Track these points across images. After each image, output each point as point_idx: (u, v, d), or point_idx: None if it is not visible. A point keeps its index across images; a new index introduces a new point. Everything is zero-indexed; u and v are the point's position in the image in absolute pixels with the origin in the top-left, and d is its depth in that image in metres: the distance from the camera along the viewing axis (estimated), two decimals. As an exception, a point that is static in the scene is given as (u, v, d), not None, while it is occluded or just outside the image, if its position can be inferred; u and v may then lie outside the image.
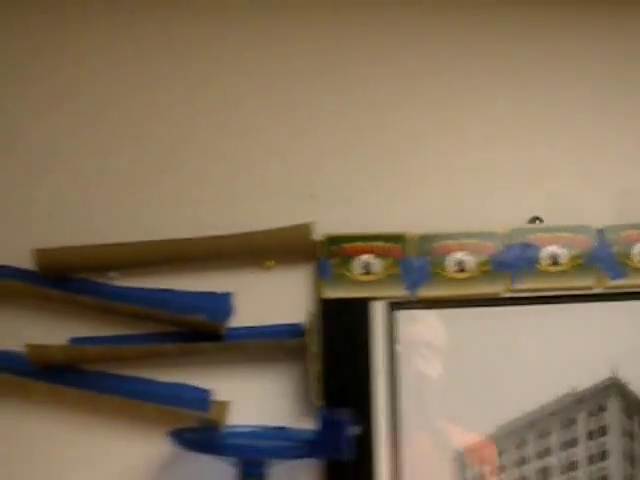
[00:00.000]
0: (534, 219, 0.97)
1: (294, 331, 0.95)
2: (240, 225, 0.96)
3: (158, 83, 0.99)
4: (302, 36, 1.01)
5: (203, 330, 0.93)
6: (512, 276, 0.94)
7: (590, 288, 0.96)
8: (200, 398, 0.94)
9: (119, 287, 0.96)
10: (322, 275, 0.94)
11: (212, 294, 0.96)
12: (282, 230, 0.94)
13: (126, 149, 0.98)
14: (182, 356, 0.94)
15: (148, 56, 0.99)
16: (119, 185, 0.99)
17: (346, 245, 0.95)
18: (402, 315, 0.95)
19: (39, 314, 0.98)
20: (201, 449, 0.87)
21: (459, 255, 0.95)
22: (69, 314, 0.97)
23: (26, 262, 0.96)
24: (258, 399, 0.95)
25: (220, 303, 0.95)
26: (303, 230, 0.93)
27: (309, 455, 0.84)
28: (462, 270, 0.94)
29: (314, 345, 0.90)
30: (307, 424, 0.93)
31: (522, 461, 0.94)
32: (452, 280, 0.95)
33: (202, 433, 0.89)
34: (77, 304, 0.95)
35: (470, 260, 0.94)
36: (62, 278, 0.96)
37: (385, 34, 1.02)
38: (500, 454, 0.93)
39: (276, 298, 0.96)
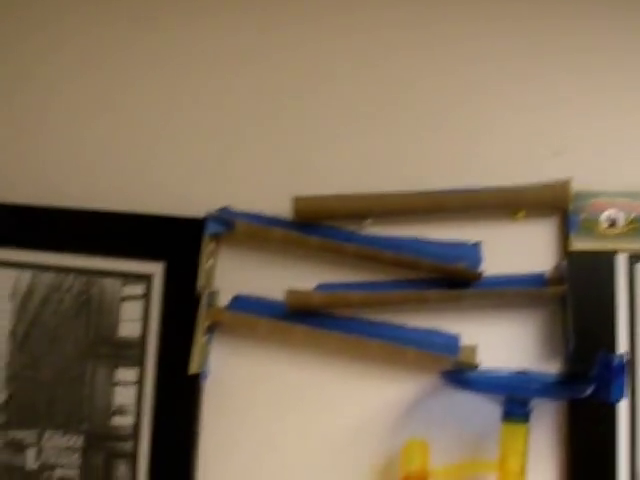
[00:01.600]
0: None
1: (540, 280, 0.99)
2: (483, 178, 0.99)
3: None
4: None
5: (456, 278, 0.98)
6: None
7: None
8: (450, 343, 0.99)
9: (373, 235, 1.00)
10: (570, 228, 0.98)
11: (462, 243, 0.99)
12: (539, 186, 0.97)
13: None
14: (433, 303, 0.98)
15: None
16: (378, 136, 1.02)
17: (593, 200, 0.99)
18: (643, 268, 0.99)
19: (293, 260, 1.02)
20: (472, 387, 0.93)
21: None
22: (322, 260, 1.01)
23: (283, 210, 1.00)
24: (504, 344, 0.99)
25: (470, 252, 0.99)
26: (561, 187, 0.96)
27: (579, 395, 0.88)
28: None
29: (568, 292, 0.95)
30: (551, 368, 0.98)
31: None
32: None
33: (470, 373, 0.94)
34: (330, 250, 0.99)
35: None
36: (317, 226, 0.99)
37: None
38: None
39: (523, 249, 1.00)
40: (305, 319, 0.98)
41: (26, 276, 1.06)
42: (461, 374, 0.94)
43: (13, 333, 1.06)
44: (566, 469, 0.98)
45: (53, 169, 1.09)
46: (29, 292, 1.05)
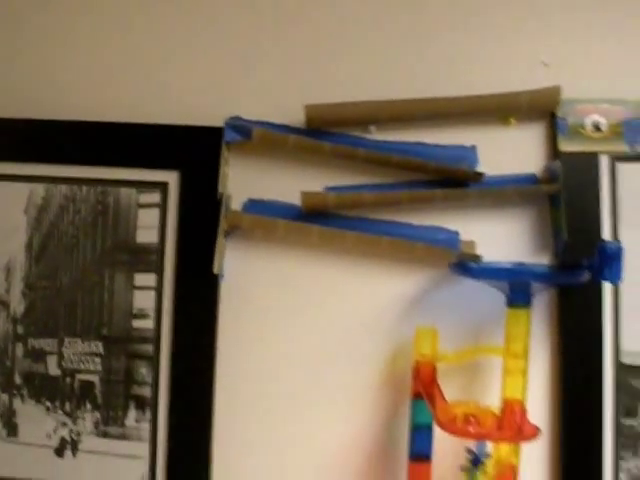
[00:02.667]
0: None
1: (532, 180, 1.09)
2: (479, 87, 1.08)
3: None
4: None
5: (457, 178, 1.06)
6: None
7: None
8: (451, 238, 1.07)
9: (381, 140, 1.07)
10: (559, 132, 1.08)
11: (461, 147, 1.08)
12: (531, 92, 1.06)
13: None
14: (437, 202, 1.06)
15: None
16: (382, 44, 1.10)
17: (579, 106, 1.09)
18: (623, 167, 1.10)
19: (306, 166, 1.08)
20: (479, 275, 1.02)
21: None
22: (333, 165, 1.08)
23: (295, 119, 1.07)
24: (499, 240, 1.08)
25: (468, 155, 1.08)
26: (551, 92, 1.06)
27: (578, 280, 0.98)
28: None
29: (559, 190, 1.04)
30: (542, 261, 1.08)
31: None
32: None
33: (475, 263, 1.04)
34: (341, 155, 1.06)
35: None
36: (328, 132, 1.06)
37: None
38: None
39: (515, 151, 1.09)
40: (319, 220, 1.04)
41: (40, 189, 1.08)
42: (468, 264, 1.02)
43: (29, 246, 1.09)
44: (559, 350, 1.07)
45: (69, 83, 1.11)
46: (44, 205, 1.08)
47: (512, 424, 0.97)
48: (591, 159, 1.08)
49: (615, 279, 0.95)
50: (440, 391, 1.01)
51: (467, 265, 1.02)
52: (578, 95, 1.07)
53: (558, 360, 1.07)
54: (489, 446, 0.98)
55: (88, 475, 1.08)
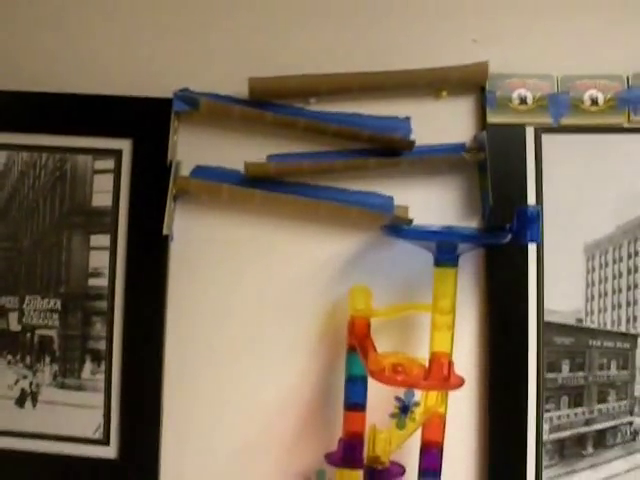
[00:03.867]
0: None
1: (462, 149, 1.17)
2: (412, 62, 1.15)
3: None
4: None
5: (391, 147, 1.14)
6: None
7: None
8: (386, 203, 1.15)
9: (319, 111, 1.15)
10: (487, 104, 1.16)
11: (395, 118, 1.16)
12: (462, 67, 1.14)
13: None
14: (372, 169, 1.14)
15: None
16: (323, 20, 1.17)
17: (506, 81, 1.17)
18: (547, 138, 1.18)
19: (249, 135, 1.16)
20: (408, 236, 1.10)
21: (592, 92, 1.18)
22: (275, 134, 1.16)
23: (239, 91, 1.14)
24: (430, 205, 1.16)
25: (402, 125, 1.16)
26: (480, 67, 1.14)
27: (501, 241, 1.06)
28: (595, 104, 1.18)
29: (485, 158, 1.12)
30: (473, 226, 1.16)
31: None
32: (586, 112, 1.18)
33: (406, 226, 1.12)
34: (282, 125, 1.14)
35: (600, 96, 1.18)
36: (270, 103, 1.14)
37: None
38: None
39: (446, 123, 1.17)
40: (261, 185, 1.12)
41: (2, 156, 1.16)
42: (399, 227, 1.10)
43: (-8, 209, 1.16)
44: (487, 308, 1.15)
45: (29, 56, 1.18)
46: (6, 171, 1.16)
47: (439, 374, 1.04)
48: (517, 130, 1.16)
49: (533, 240, 1.03)
50: (372, 344, 1.08)
51: (398, 227, 1.10)
52: (506, 70, 1.14)
53: (485, 318, 1.15)
54: (417, 395, 1.05)
55: (48, 424, 1.16)
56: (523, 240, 1.03)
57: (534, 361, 1.15)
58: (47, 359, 1.15)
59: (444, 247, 1.07)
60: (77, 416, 1.15)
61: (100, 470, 1.14)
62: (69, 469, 1.15)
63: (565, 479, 1.17)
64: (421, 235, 1.08)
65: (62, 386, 1.15)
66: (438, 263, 1.07)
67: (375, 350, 1.07)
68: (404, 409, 1.05)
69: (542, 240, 1.14)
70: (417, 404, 1.05)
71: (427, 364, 1.05)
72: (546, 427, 1.15)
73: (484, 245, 1.12)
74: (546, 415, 1.16)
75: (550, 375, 1.16)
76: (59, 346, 1.15)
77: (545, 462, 1.16)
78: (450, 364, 1.05)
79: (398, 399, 1.05)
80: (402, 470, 1.07)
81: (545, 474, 1.16)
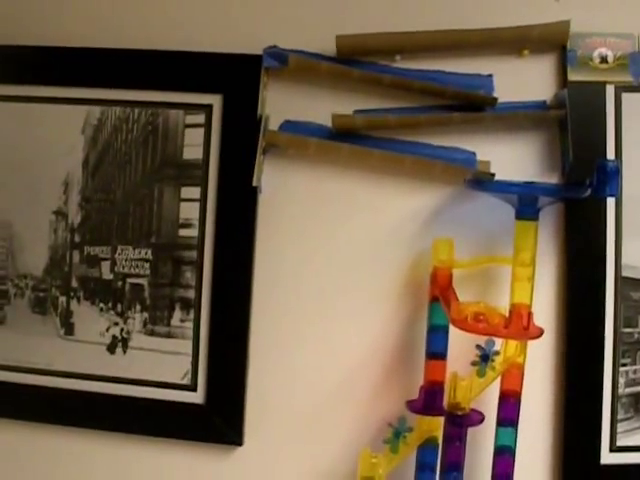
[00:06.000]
0: None
1: (543, 106, 1.19)
2: (495, 20, 1.18)
3: None
4: None
5: (474, 103, 1.17)
6: None
7: None
8: (469, 158, 1.18)
9: (405, 68, 1.18)
10: (568, 63, 1.18)
11: (479, 75, 1.19)
12: (543, 25, 1.17)
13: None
14: (456, 124, 1.17)
15: None
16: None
17: (587, 40, 1.19)
18: (627, 97, 1.20)
19: (336, 91, 1.19)
20: (491, 189, 1.12)
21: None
22: (361, 91, 1.19)
23: (326, 48, 1.17)
24: (512, 161, 1.19)
25: (485, 82, 1.18)
26: (561, 26, 1.16)
27: (581, 194, 1.09)
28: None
29: (566, 116, 1.15)
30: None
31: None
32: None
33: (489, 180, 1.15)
34: (368, 81, 1.17)
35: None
36: (357, 60, 1.18)
37: None
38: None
39: (528, 81, 1.19)
40: (348, 139, 1.15)
41: (96, 111, 1.21)
42: (481, 180, 1.13)
43: (86, 163, 1.21)
44: (565, 262, 1.18)
45: (118, 12, 1.23)
46: (100, 126, 1.20)
47: (518, 324, 1.07)
48: (598, 88, 1.18)
49: (612, 194, 1.06)
50: (455, 294, 1.11)
51: (481, 180, 1.13)
52: (587, 29, 1.16)
53: (564, 272, 1.17)
54: (498, 344, 1.08)
55: (137, 370, 1.20)
56: (602, 194, 1.05)
57: (611, 315, 1.17)
58: (137, 307, 1.19)
59: (525, 200, 1.09)
60: (166, 362, 1.19)
61: (187, 415, 1.19)
62: (157, 413, 1.19)
63: (639, 433, 1.18)
64: (503, 188, 1.11)
65: (152, 333, 1.19)
66: (519, 216, 1.10)
67: (457, 300, 1.10)
68: (484, 357, 1.08)
69: (621, 196, 1.16)
70: (497, 353, 1.08)
71: (507, 315, 1.06)
72: (621, 381, 1.18)
73: (564, 199, 1.15)
74: (622, 369, 1.18)
75: (626, 330, 1.18)
76: (149, 294, 1.19)
77: (620, 415, 1.18)
78: (530, 315, 1.08)
79: (479, 347, 1.08)
80: (482, 417, 1.10)
81: (620, 427, 1.18)
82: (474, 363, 1.08)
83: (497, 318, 1.08)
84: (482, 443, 1.14)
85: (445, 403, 1.09)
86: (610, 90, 1.18)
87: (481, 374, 1.08)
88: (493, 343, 1.08)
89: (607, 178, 1.04)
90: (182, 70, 1.18)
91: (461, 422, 1.08)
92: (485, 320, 1.07)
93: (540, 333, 1.08)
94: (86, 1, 1.24)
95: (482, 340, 1.07)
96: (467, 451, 1.10)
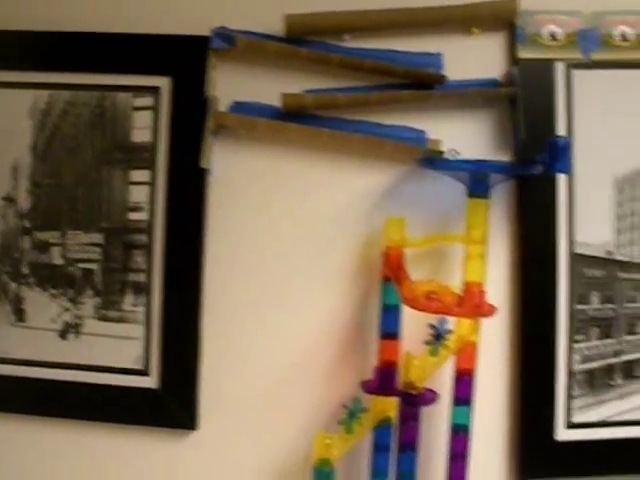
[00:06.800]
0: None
1: (493, 83, 1.19)
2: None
3: None
4: None
5: (423, 82, 1.17)
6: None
7: None
8: (419, 136, 1.18)
9: (354, 47, 1.18)
10: (517, 40, 1.18)
11: (428, 53, 1.18)
12: (492, 3, 1.16)
13: None
14: (405, 103, 1.16)
15: None
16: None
17: (536, 17, 1.19)
18: (578, 73, 1.20)
19: (285, 71, 1.18)
20: (442, 168, 1.12)
21: (622, 28, 1.19)
22: (310, 70, 1.18)
23: (275, 28, 1.16)
24: (463, 139, 1.18)
25: (434, 61, 1.18)
26: (510, 3, 1.16)
27: (532, 172, 1.08)
28: (625, 40, 1.19)
29: (517, 93, 1.15)
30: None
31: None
32: (616, 47, 1.20)
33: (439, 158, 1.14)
34: (317, 61, 1.16)
35: (630, 32, 1.19)
36: (306, 40, 1.17)
37: None
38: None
39: (478, 58, 1.19)
40: (297, 119, 1.15)
41: (44, 95, 1.19)
42: (433, 159, 1.12)
43: (34, 147, 1.20)
44: (518, 239, 1.18)
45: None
46: (48, 109, 1.19)
47: (471, 302, 1.07)
48: (548, 65, 1.18)
49: (563, 170, 1.06)
50: (407, 273, 1.11)
51: (433, 159, 1.12)
52: (535, 6, 1.16)
53: (517, 249, 1.17)
54: (451, 323, 1.08)
55: (90, 355, 1.19)
56: (553, 171, 1.05)
57: (564, 293, 1.18)
58: (89, 292, 1.18)
59: (476, 178, 1.09)
60: (118, 347, 1.19)
61: (141, 399, 1.18)
62: (111, 399, 1.19)
63: (594, 409, 1.19)
64: (454, 166, 1.11)
65: (104, 318, 1.18)
66: (471, 194, 1.10)
67: (409, 279, 1.09)
68: (437, 336, 1.08)
69: (573, 174, 1.17)
70: (450, 332, 1.08)
71: (460, 293, 1.07)
72: (576, 358, 1.18)
73: (516, 176, 1.15)
74: (576, 346, 1.18)
75: (580, 307, 1.18)
76: (101, 279, 1.18)
77: (575, 392, 1.18)
78: (482, 293, 1.08)
79: (432, 326, 1.07)
80: (436, 396, 1.10)
81: (575, 404, 1.18)
82: (427, 342, 1.08)
83: (449, 296, 1.07)
84: (438, 422, 1.13)
85: (399, 383, 1.08)
86: (560, 67, 1.18)
87: (434, 353, 1.08)
88: (446, 322, 1.08)
89: (558, 155, 1.04)
90: (130, 53, 1.17)
91: (415, 402, 1.07)
92: (437, 299, 1.06)
93: (493, 311, 1.08)
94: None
95: (435, 319, 1.06)
96: (423, 431, 1.09)
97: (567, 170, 1.04)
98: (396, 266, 1.11)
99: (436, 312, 1.07)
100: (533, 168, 1.07)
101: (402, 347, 1.12)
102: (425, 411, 1.10)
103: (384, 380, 1.12)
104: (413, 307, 1.05)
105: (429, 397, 1.10)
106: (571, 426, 1.18)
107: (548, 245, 1.18)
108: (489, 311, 1.07)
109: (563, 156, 1.04)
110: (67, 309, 1.19)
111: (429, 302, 1.06)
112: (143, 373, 1.17)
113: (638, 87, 1.19)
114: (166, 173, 1.18)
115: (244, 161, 1.18)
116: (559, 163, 1.04)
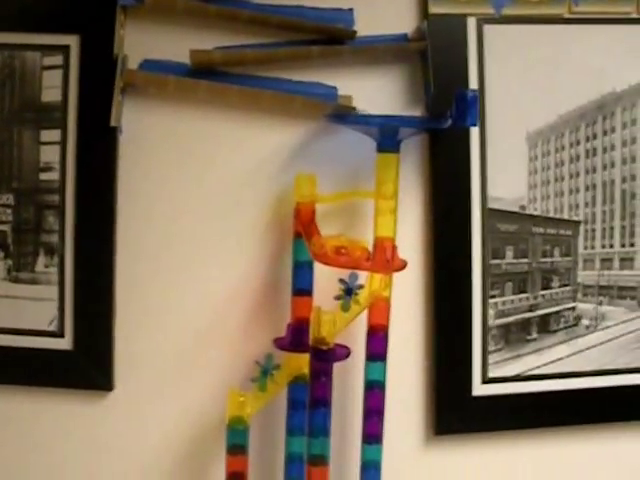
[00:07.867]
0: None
1: (404, 38, 1.19)
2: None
3: None
4: None
5: (334, 37, 1.16)
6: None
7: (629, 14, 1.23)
8: (329, 92, 1.18)
9: (262, 3, 1.17)
10: (428, -7, 1.18)
11: (337, 9, 1.18)
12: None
13: None
14: (315, 59, 1.16)
15: None
16: None
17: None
18: (489, 28, 1.20)
19: (194, 28, 1.17)
20: (352, 123, 1.12)
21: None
22: (219, 27, 1.17)
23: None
24: (374, 95, 1.19)
25: (345, 16, 1.18)
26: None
27: (442, 125, 1.08)
28: (536, -7, 1.19)
29: (427, 48, 1.15)
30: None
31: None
32: (527, 3, 1.20)
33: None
34: (226, 17, 1.15)
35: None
36: (213, -5, 1.16)
37: None
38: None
39: (388, 13, 1.19)
40: (207, 76, 1.14)
41: (-51, 56, 1.17)
42: (342, 114, 1.12)
43: (-59, 110, 1.18)
44: (430, 194, 1.18)
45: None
46: (-48, 70, 1.17)
47: (381, 257, 1.07)
48: (459, 20, 1.18)
49: (472, 123, 1.05)
50: (317, 229, 1.11)
51: (341, 114, 1.12)
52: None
53: (429, 205, 1.17)
54: (362, 278, 1.08)
55: (3, 318, 1.18)
56: (462, 124, 1.05)
57: (478, 247, 1.18)
58: (1, 254, 1.17)
59: (386, 133, 1.09)
60: (32, 309, 1.18)
61: (55, 361, 1.17)
62: (25, 361, 1.18)
63: (510, 363, 1.20)
64: (363, 121, 1.11)
65: (16, 280, 1.17)
66: (380, 149, 1.10)
67: (319, 234, 1.09)
68: (348, 291, 1.08)
69: (485, 129, 1.17)
70: (361, 287, 1.08)
71: (371, 248, 1.07)
72: (491, 312, 1.19)
73: (425, 130, 1.15)
74: (491, 301, 1.19)
75: (494, 261, 1.19)
76: (12, 240, 1.17)
77: (491, 347, 1.19)
78: (393, 248, 1.08)
79: (342, 281, 1.07)
80: (348, 352, 1.10)
81: (491, 358, 1.19)
82: (338, 297, 1.08)
83: (359, 251, 1.07)
84: (353, 378, 1.13)
85: (310, 339, 1.08)
86: (472, 22, 1.18)
87: (345, 308, 1.08)
88: (356, 277, 1.08)
89: (466, 107, 1.04)
90: (38, 10, 1.15)
91: (326, 357, 1.07)
92: (347, 253, 1.06)
93: (403, 266, 1.08)
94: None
95: (346, 274, 1.06)
96: (339, 387, 1.10)
97: (475, 123, 1.04)
98: (307, 222, 1.12)
99: (345, 267, 1.06)
100: (442, 122, 1.07)
101: (315, 304, 1.11)
102: (340, 367, 1.09)
103: (296, 336, 1.12)
104: (322, 262, 1.05)
105: (340, 353, 1.10)
106: (487, 381, 1.19)
107: (461, 200, 1.18)
108: (399, 266, 1.08)
109: (471, 108, 1.04)
110: (-22, 273, 1.17)
111: (338, 257, 1.06)
112: (57, 335, 1.17)
113: (549, 42, 1.19)
114: (76, 133, 1.17)
115: (155, 120, 1.17)
116: (468, 116, 1.04)
